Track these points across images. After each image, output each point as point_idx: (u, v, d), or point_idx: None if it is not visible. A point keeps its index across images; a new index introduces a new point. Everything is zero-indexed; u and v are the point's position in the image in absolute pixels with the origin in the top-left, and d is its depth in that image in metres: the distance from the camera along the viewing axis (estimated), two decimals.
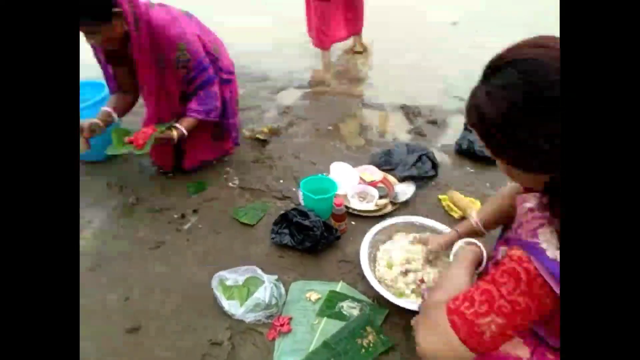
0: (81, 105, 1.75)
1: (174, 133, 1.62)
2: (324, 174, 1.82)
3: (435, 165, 1.80)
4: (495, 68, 0.66)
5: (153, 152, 1.80)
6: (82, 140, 1.61)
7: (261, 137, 2.11)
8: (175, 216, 1.68)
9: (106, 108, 1.68)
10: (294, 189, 1.79)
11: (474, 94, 0.69)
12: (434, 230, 1.43)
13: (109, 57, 1.62)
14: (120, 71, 1.66)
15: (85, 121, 1.60)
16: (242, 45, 2.86)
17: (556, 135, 0.57)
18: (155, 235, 1.59)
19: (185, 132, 1.63)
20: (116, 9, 1.38)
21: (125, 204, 1.74)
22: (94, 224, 1.66)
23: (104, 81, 1.78)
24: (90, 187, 1.83)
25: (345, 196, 1.66)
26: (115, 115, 1.69)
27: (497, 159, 0.71)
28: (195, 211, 1.70)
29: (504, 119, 0.64)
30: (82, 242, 1.58)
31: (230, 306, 1.26)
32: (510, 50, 0.65)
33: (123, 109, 1.73)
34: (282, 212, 1.61)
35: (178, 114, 1.67)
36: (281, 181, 1.85)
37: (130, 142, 1.59)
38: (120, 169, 1.94)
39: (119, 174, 1.90)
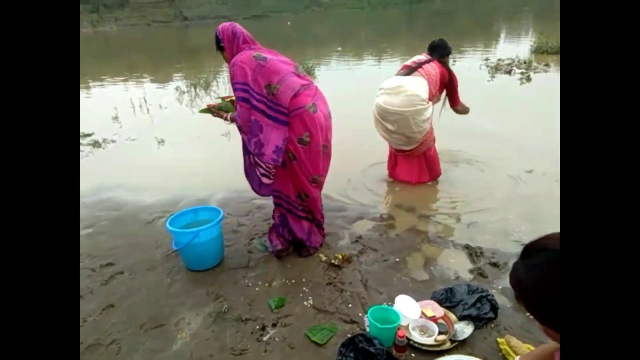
0: (204, 225, 2.29)
1: (227, 115, 2.41)
2: (389, 304, 2.03)
3: (494, 308, 1.93)
4: (532, 251, 0.92)
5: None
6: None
7: (335, 262, 2.42)
8: (258, 327, 1.96)
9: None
10: (360, 314, 2.01)
11: (515, 267, 0.94)
12: None
13: None
14: None
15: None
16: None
17: None
18: (239, 343, 1.87)
19: (229, 119, 2.40)
20: (221, 44, 2.29)
21: (218, 311, 2.08)
22: (192, 326, 2.00)
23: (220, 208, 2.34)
24: (194, 292, 2.23)
25: (407, 328, 1.83)
26: None
27: (537, 321, 0.92)
28: (274, 325, 1.97)
29: (537, 291, 0.87)
30: (180, 342, 1.91)
31: None
32: (541, 239, 0.91)
33: None
34: (349, 335, 1.82)
35: None
36: (349, 305, 2.08)
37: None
38: (219, 279, 2.33)
39: (218, 284, 2.29)
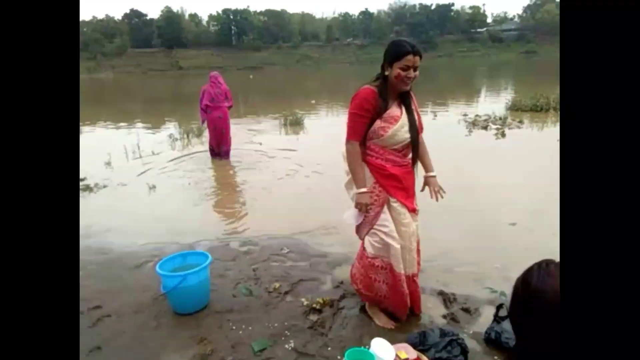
0: (191, 270, 2.41)
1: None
2: (366, 347, 2.13)
3: (464, 352, 2.05)
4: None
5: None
6: None
7: (317, 307, 2.53)
8: None
9: None
10: (339, 357, 2.11)
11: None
12: None
13: None
14: None
15: None
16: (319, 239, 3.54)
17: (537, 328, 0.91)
18: None
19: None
20: None
21: (202, 353, 2.15)
22: None
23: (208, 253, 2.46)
24: (179, 335, 2.30)
25: None
26: None
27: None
28: None
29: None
30: None
31: None
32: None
33: None
34: None
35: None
36: (329, 349, 2.18)
37: None
38: (204, 322, 2.41)
39: (203, 327, 2.36)
